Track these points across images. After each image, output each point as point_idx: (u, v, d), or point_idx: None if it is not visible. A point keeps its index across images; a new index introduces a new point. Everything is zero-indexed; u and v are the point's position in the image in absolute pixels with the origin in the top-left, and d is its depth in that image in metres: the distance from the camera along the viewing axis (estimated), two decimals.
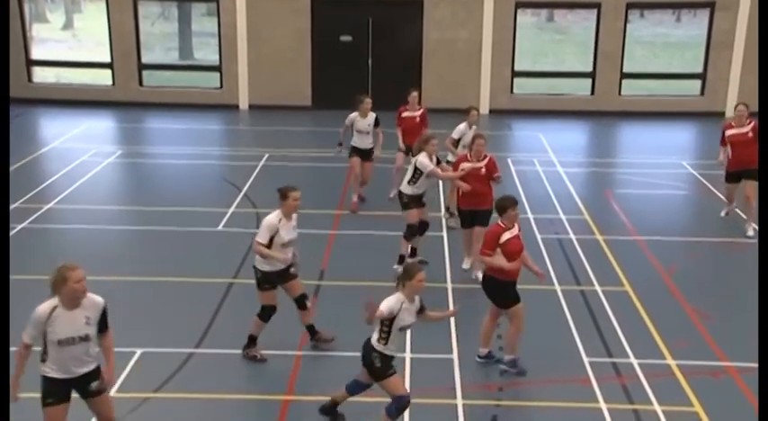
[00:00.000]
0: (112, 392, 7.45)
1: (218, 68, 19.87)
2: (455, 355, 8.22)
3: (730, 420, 7.19)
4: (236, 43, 19.34)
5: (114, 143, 16.90)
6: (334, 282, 9.97)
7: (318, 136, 17.77)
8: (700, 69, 19.64)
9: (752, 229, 11.62)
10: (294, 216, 7.88)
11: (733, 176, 11.78)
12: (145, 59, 20.22)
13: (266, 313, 8.05)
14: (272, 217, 7.74)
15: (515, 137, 17.71)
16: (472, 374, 7.86)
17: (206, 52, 22.90)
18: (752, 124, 11.43)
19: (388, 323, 6.60)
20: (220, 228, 11.74)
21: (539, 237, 11.41)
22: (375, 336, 6.72)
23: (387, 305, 6.56)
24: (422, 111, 12.76)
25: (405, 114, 12.71)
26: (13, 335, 6.50)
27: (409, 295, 6.64)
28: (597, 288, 9.79)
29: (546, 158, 15.56)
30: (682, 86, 20.31)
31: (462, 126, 11.59)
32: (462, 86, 19.19)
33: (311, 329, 8.36)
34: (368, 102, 12.35)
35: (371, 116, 12.34)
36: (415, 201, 10.13)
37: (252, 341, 8.15)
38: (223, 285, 9.81)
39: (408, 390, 6.89)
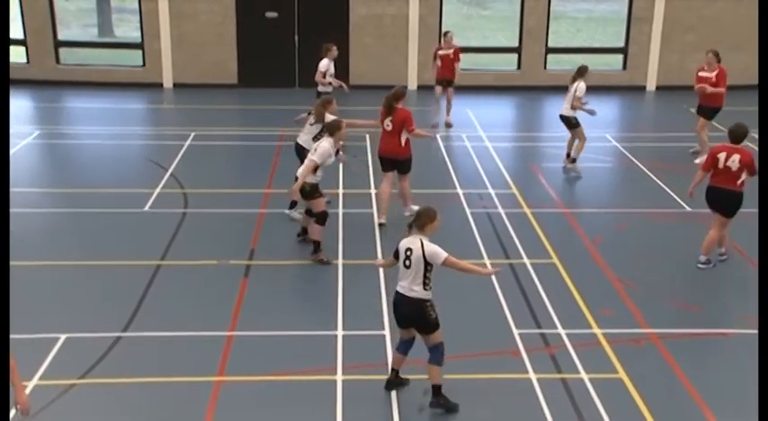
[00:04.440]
0: (35, 380, 7.28)
1: (139, 46, 19.37)
2: (387, 331, 8.25)
3: (652, 384, 7.39)
4: (157, 20, 18.86)
5: (31, 123, 16.33)
6: (264, 262, 9.88)
7: (245, 114, 17.56)
8: (621, 44, 20.01)
9: (699, 158, 13.22)
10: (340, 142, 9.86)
11: (698, 110, 13.90)
12: (61, 36, 19.59)
13: (323, 217, 9.68)
14: (327, 144, 9.41)
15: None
16: None
17: (126, 29, 22.32)
18: (717, 71, 13.34)
19: (430, 268, 6.72)
20: (146, 209, 11.51)
21: (468, 211, 11.51)
22: (419, 288, 6.73)
23: (436, 247, 6.74)
24: (454, 49, 15.72)
25: (441, 52, 15.78)
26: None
27: (429, 236, 6.84)
28: (526, 260, 9.93)
29: (474, 133, 15.67)
30: (605, 61, 20.67)
31: (584, 85, 13.04)
32: (390, 62, 19.16)
33: (305, 230, 10.17)
34: (335, 48, 14.19)
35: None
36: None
37: (318, 246, 9.72)
38: (150, 267, 9.63)
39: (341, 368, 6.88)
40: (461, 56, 15.93)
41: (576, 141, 13.37)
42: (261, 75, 19.20)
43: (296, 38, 19.21)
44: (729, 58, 19.16)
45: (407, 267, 6.75)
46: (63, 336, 8.00)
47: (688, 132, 15.28)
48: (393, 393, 7.20)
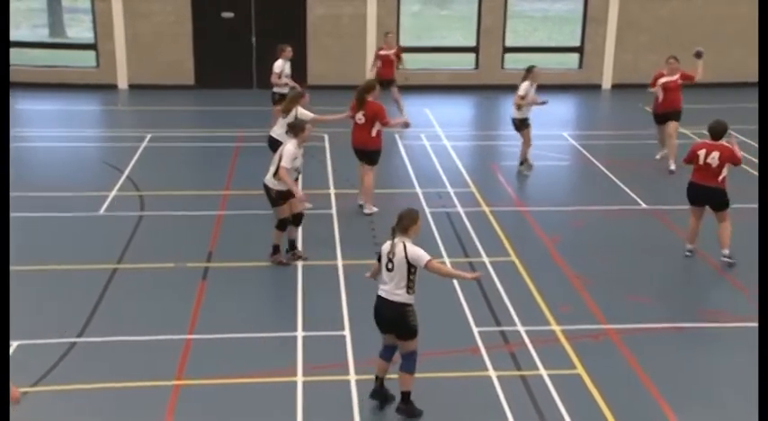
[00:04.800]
0: None
1: (93, 46, 19.08)
2: (347, 332, 8.22)
3: (609, 379, 7.46)
4: (111, 20, 18.59)
5: None
6: (222, 264, 9.79)
7: (202, 115, 17.40)
8: (577, 43, 20.21)
9: (673, 164, 13.28)
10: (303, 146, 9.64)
11: (661, 117, 13.56)
12: (11, 37, 19.20)
13: (284, 224, 9.61)
14: (292, 146, 9.37)
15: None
16: (365, 350, 7.88)
17: (79, 29, 21.97)
18: (679, 73, 13.31)
19: (414, 271, 6.61)
20: (102, 212, 11.33)
21: (427, 210, 11.52)
22: (402, 292, 6.62)
23: (419, 250, 6.61)
24: (396, 49, 16.06)
25: (382, 52, 15.97)
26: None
27: (413, 238, 6.73)
28: (485, 259, 9.97)
29: (433, 133, 15.70)
30: (561, 60, 20.87)
31: (526, 84, 12.71)
32: (349, 62, 19.11)
33: (292, 243, 9.86)
34: (289, 49, 14.21)
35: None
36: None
37: (276, 249, 9.68)
38: (106, 271, 9.48)
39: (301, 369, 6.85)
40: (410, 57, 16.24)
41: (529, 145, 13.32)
42: (218, 75, 19.04)
43: (253, 38, 19.08)
44: (684, 58, 19.54)
45: (390, 270, 6.64)
46: (15, 344, 7.82)
47: (643, 130, 15.49)
48: (354, 393, 7.18)
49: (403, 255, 6.58)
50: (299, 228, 10.16)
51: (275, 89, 14.11)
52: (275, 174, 9.39)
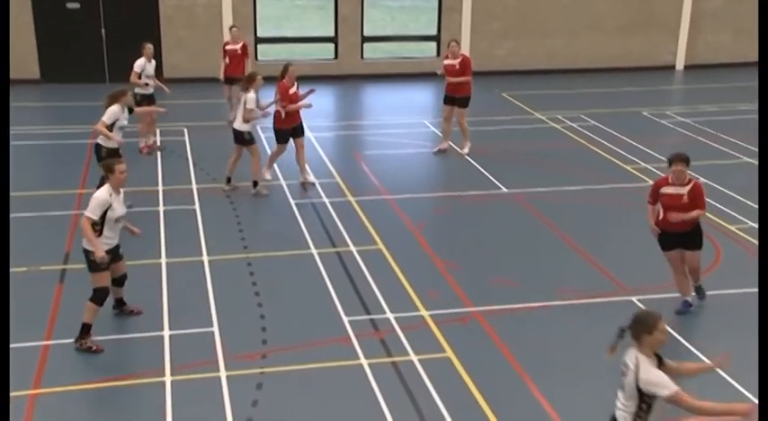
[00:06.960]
0: None
1: None
2: (215, 328, 8.06)
3: (477, 360, 7.65)
4: None
5: None
6: (81, 265, 9.33)
7: (52, 111, 16.59)
8: (434, 32, 20.57)
9: (467, 147, 13.76)
10: (122, 190, 7.78)
11: (446, 100, 13.77)
12: None
13: (102, 296, 7.68)
14: (103, 192, 7.57)
15: None
16: (234, 345, 7.76)
17: None
18: (460, 59, 13.41)
19: (649, 400, 5.02)
20: None
21: (292, 202, 11.45)
22: (628, 416, 5.09)
23: (657, 376, 4.96)
24: (242, 43, 15.23)
25: (228, 47, 15.14)
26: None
27: (649, 353, 5.11)
28: (352, 248, 10.00)
29: None
30: (419, 49, 21.19)
31: (252, 94, 11.77)
32: (205, 54, 18.68)
33: (120, 301, 8.28)
34: (149, 46, 13.44)
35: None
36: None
37: (86, 329, 7.68)
38: None
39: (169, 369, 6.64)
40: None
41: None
42: (66, 70, 18.20)
43: (102, 30, 18.32)
44: (530, 44, 20.30)
45: (621, 386, 5.16)
46: None
47: (502, 116, 15.97)
48: (225, 389, 7.05)
49: (633, 378, 5.01)
50: (162, 227, 9.84)
51: (136, 90, 13.14)
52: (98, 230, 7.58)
